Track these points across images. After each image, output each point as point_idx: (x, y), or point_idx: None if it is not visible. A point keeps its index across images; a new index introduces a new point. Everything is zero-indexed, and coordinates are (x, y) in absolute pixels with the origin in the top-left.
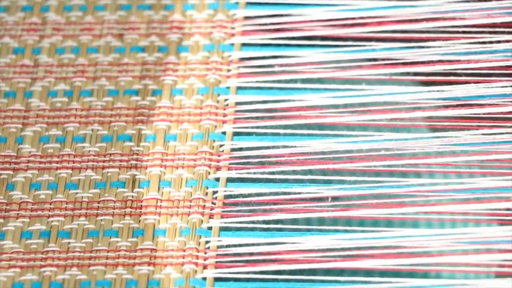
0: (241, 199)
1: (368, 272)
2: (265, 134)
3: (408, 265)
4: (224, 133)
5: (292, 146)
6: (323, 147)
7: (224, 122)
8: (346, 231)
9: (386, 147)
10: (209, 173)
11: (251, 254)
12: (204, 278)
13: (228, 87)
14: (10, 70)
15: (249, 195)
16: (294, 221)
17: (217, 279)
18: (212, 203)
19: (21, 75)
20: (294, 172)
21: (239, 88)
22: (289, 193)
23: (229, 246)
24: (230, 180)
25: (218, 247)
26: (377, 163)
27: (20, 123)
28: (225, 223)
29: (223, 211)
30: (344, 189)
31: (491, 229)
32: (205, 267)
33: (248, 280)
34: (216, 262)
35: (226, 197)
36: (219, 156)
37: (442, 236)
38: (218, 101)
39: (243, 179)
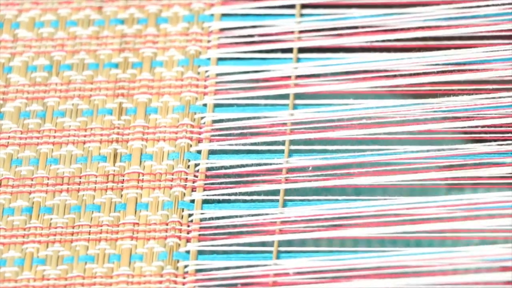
0: (223, 171)
1: (355, 241)
2: (246, 105)
3: (393, 233)
4: (205, 105)
5: (273, 117)
6: (305, 117)
7: (205, 94)
8: (329, 201)
9: (368, 115)
10: (191, 145)
11: (235, 226)
12: (188, 251)
13: (209, 58)
14: None
15: (231, 167)
16: (276, 192)
17: (200, 252)
18: (194, 175)
19: (0, 50)
20: (276, 143)
21: (219, 59)
22: (271, 164)
23: (212, 218)
24: (212, 152)
25: (201, 220)
26: (360, 131)
27: (0, 99)
28: (207, 195)
29: (206, 184)
30: (327, 158)
31: (476, 195)
32: (188, 240)
33: (231, 252)
34: (200, 235)
35: (208, 169)
36: (200, 128)
37: (432, 203)
38: (198, 73)
39: (225, 151)
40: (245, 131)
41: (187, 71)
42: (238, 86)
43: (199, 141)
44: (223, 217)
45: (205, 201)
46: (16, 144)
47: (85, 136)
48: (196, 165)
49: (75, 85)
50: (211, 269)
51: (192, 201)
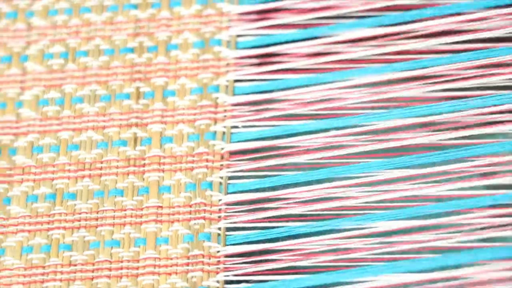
0: (246, 147)
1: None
2: (264, 80)
3: None
4: (222, 85)
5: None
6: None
7: (221, 74)
8: None
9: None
10: (210, 126)
11: (261, 201)
12: (215, 232)
13: (226, 39)
14: (3, 35)
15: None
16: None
17: (227, 230)
18: (215, 155)
19: (15, 39)
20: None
21: (238, 36)
22: (295, 135)
23: (236, 193)
24: (233, 131)
25: (221, 200)
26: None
27: (18, 87)
28: (233, 171)
29: (228, 163)
30: None
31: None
32: (212, 221)
33: (258, 228)
34: (225, 215)
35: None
36: (217, 108)
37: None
38: (214, 54)
39: (246, 128)
40: (267, 106)
41: (203, 53)
42: (257, 61)
43: (218, 120)
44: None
45: (230, 178)
46: (36, 132)
47: (104, 121)
48: (217, 145)
49: (91, 71)
50: (236, 250)
51: (216, 182)
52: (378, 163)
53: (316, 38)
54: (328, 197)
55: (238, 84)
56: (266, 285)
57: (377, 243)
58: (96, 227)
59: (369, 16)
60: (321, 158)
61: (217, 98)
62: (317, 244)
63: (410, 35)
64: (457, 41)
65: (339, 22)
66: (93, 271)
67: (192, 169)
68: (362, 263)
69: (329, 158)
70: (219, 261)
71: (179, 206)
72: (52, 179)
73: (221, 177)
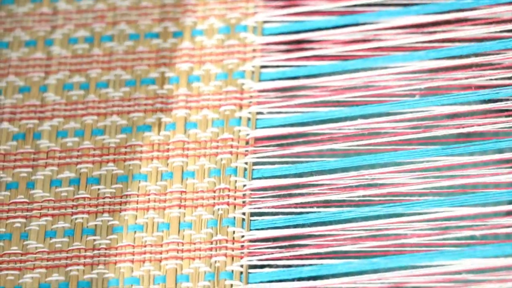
0: (271, 133)
1: None
2: (290, 66)
3: None
4: (249, 70)
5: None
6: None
7: (246, 59)
8: None
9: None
10: (235, 112)
11: (286, 188)
12: (239, 218)
13: (253, 25)
14: (29, 19)
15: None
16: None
17: (252, 215)
18: (240, 141)
19: (41, 23)
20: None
21: (265, 22)
22: (322, 122)
23: (261, 179)
24: (258, 117)
25: (244, 185)
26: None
27: (43, 72)
28: (258, 157)
29: (253, 149)
30: None
31: None
32: (237, 206)
33: (284, 214)
34: (250, 200)
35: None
36: (242, 94)
37: None
38: (239, 40)
39: (271, 115)
40: (291, 94)
41: (228, 39)
42: (285, 48)
43: (243, 106)
44: (273, 177)
45: (255, 165)
46: (61, 116)
47: (129, 106)
48: (242, 131)
49: (117, 56)
50: (261, 235)
51: (242, 167)
52: (407, 153)
53: (346, 26)
54: (355, 185)
55: (264, 70)
56: (291, 271)
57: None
58: (120, 212)
59: (400, 5)
60: (347, 146)
61: (242, 84)
62: (344, 231)
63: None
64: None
65: (372, 10)
66: (116, 255)
67: (216, 154)
68: (388, 250)
69: (356, 146)
70: (243, 246)
71: (203, 191)
72: (76, 164)
73: (246, 163)
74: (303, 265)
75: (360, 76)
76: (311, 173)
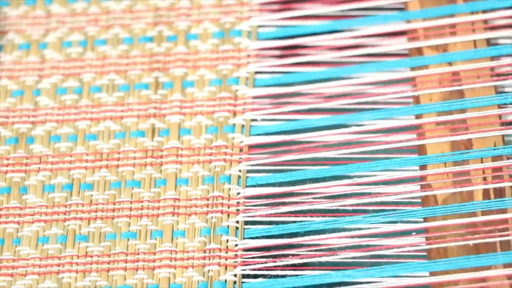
0: (264, 141)
1: None
2: (285, 72)
3: None
4: (242, 77)
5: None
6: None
7: (240, 65)
8: None
9: None
10: (229, 118)
11: (280, 196)
12: (233, 226)
13: (247, 29)
14: (22, 22)
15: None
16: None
17: (245, 223)
18: (234, 149)
19: (34, 26)
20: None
21: (259, 26)
22: (316, 129)
23: (254, 187)
24: (252, 124)
25: (237, 194)
26: None
27: (36, 75)
28: (252, 165)
29: (247, 156)
30: None
31: None
32: (230, 214)
33: (277, 222)
34: (244, 208)
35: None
36: (236, 100)
37: None
38: (234, 44)
39: (265, 122)
40: (285, 100)
41: (222, 44)
42: (276, 55)
43: (237, 113)
44: (266, 184)
45: (249, 172)
46: (54, 121)
47: (122, 111)
48: (236, 138)
49: (110, 60)
50: (255, 244)
51: (235, 175)
52: (398, 161)
53: (342, 31)
54: (348, 194)
55: (258, 76)
56: (285, 280)
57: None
58: (113, 219)
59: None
60: (341, 154)
61: (236, 90)
62: (337, 241)
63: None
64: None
65: (368, 15)
66: (109, 263)
67: (210, 161)
68: (382, 261)
69: (349, 154)
70: (236, 255)
71: (196, 199)
72: (69, 169)
73: (240, 171)
74: (296, 276)
75: (354, 83)
76: (304, 181)
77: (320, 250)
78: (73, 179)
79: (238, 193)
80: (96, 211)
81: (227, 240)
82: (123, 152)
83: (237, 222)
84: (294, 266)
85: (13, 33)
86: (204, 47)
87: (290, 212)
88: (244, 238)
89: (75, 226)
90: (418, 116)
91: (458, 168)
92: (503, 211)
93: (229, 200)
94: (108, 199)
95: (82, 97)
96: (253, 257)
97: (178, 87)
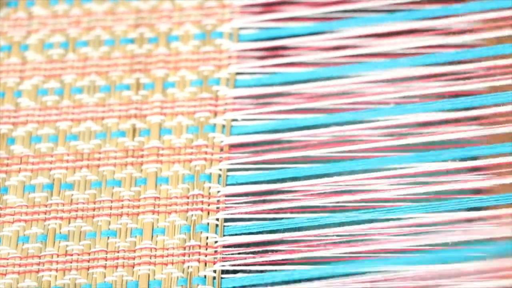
0: (244, 141)
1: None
2: (266, 73)
3: None
4: (223, 78)
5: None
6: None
7: (221, 66)
8: None
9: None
10: (210, 118)
11: (260, 194)
12: (212, 224)
13: (228, 31)
14: (4, 24)
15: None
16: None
17: (225, 220)
18: (214, 148)
19: (16, 28)
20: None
21: (240, 28)
22: (296, 129)
23: (235, 185)
24: (232, 124)
25: (218, 191)
26: None
27: (17, 77)
28: (232, 164)
29: (228, 156)
30: None
31: None
32: (210, 212)
33: (258, 219)
34: (223, 207)
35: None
36: (217, 101)
37: None
38: (215, 46)
39: (246, 122)
40: (266, 100)
41: (204, 45)
42: (257, 56)
43: (218, 113)
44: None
45: (229, 171)
46: (35, 122)
47: (103, 112)
48: (216, 137)
49: (91, 62)
50: (235, 241)
51: (214, 174)
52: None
53: (322, 33)
54: (329, 191)
55: (239, 77)
56: (264, 276)
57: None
58: (93, 217)
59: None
60: (322, 153)
61: (217, 90)
62: (317, 237)
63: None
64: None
65: (350, 16)
66: (89, 261)
67: (190, 161)
68: (361, 256)
69: (331, 153)
70: (216, 251)
71: (176, 197)
72: (50, 169)
73: (220, 169)
74: (276, 271)
75: (335, 83)
76: (285, 180)
77: (300, 246)
78: (53, 179)
79: (218, 192)
80: (76, 210)
81: (207, 237)
82: (103, 152)
83: (217, 219)
84: (275, 261)
85: None
86: (185, 48)
87: (270, 210)
88: (224, 235)
89: (55, 226)
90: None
91: None
92: None
93: (209, 198)
94: (89, 198)
95: (63, 98)
96: (232, 254)
97: (159, 88)
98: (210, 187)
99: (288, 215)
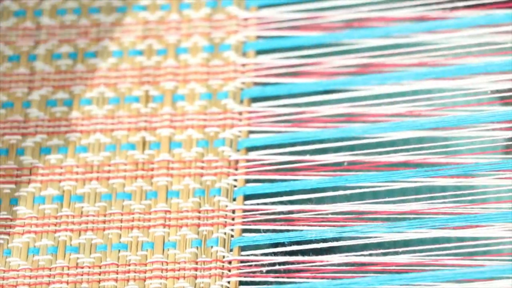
0: (256, 156)
1: None
2: (276, 84)
3: None
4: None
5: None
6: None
7: (230, 79)
8: None
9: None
10: (219, 132)
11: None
12: (225, 238)
13: (236, 44)
14: (12, 34)
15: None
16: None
17: (244, 230)
18: (224, 162)
19: (24, 38)
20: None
21: (248, 40)
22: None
23: (247, 203)
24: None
25: (230, 207)
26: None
27: (26, 87)
28: (242, 178)
29: (237, 171)
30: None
31: None
32: (219, 226)
33: (270, 231)
34: (235, 222)
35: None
36: (226, 114)
37: None
38: (224, 59)
39: (257, 134)
40: (281, 118)
41: (212, 58)
42: (266, 71)
43: (227, 127)
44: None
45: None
46: (44, 133)
47: (112, 124)
48: (226, 151)
49: (100, 73)
50: (248, 255)
51: (227, 186)
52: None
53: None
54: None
55: (248, 91)
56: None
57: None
58: (104, 230)
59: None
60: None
61: (226, 104)
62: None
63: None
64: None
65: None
66: (100, 274)
67: (201, 175)
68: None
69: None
70: (227, 266)
71: (187, 211)
72: (60, 181)
73: (229, 184)
74: (284, 283)
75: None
76: (294, 192)
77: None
78: (63, 191)
79: (226, 206)
80: (87, 223)
81: (217, 252)
82: (113, 164)
83: (227, 234)
84: (285, 274)
85: (2, 44)
86: (194, 60)
87: (281, 221)
88: (231, 250)
89: (65, 238)
90: None
91: None
92: None
93: (219, 212)
94: (99, 211)
95: (72, 109)
96: (243, 268)
97: (169, 101)
98: (220, 201)
99: (299, 227)
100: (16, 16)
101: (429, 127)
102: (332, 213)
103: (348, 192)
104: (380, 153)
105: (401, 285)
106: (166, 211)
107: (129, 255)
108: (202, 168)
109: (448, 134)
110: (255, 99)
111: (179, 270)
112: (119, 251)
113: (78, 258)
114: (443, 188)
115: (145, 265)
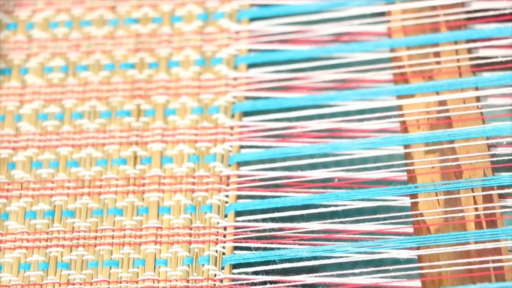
0: (246, 172)
1: None
2: (267, 98)
3: None
4: (224, 105)
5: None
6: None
7: (222, 94)
8: None
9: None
10: (211, 147)
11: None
12: (216, 255)
13: (227, 57)
14: (4, 47)
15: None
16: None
17: (236, 248)
18: (215, 178)
19: (15, 51)
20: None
21: (237, 56)
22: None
23: (239, 219)
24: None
25: (222, 224)
26: None
27: (17, 101)
28: (233, 194)
29: (229, 187)
30: None
31: None
32: (211, 244)
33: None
34: (227, 239)
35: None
36: (217, 128)
37: None
38: (215, 73)
39: (248, 149)
40: (269, 132)
41: (204, 72)
42: (257, 85)
43: (218, 142)
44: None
45: (230, 204)
46: (36, 147)
47: (104, 138)
48: (217, 167)
49: (92, 86)
50: (239, 273)
51: (219, 202)
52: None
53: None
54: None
55: (239, 105)
56: None
57: None
58: (95, 246)
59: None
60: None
61: (217, 118)
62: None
63: None
64: None
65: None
66: None
67: (192, 191)
68: None
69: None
70: (218, 284)
71: (178, 228)
72: (51, 196)
73: (220, 200)
74: None
75: (340, 110)
76: (285, 208)
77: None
78: (54, 206)
79: (218, 223)
80: (78, 239)
81: (209, 270)
82: (105, 179)
83: (218, 251)
84: None
85: None
86: (186, 74)
87: (271, 239)
88: (222, 268)
89: (57, 253)
90: (406, 146)
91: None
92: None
93: (210, 229)
94: (90, 226)
95: (63, 123)
96: (235, 286)
97: (160, 115)
98: (211, 218)
99: (289, 246)
100: (8, 29)
101: (420, 142)
102: (324, 231)
103: (339, 208)
104: (370, 169)
105: None
106: (157, 228)
107: (120, 272)
108: (193, 184)
109: None
110: (246, 113)
111: None
112: (110, 267)
113: (69, 274)
114: None
115: (136, 282)
